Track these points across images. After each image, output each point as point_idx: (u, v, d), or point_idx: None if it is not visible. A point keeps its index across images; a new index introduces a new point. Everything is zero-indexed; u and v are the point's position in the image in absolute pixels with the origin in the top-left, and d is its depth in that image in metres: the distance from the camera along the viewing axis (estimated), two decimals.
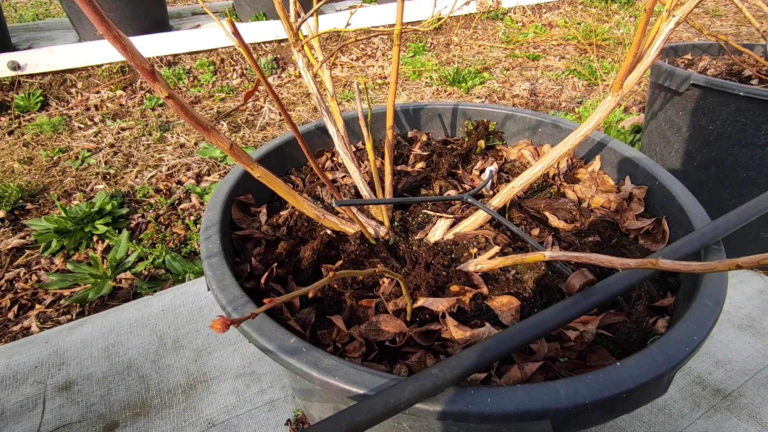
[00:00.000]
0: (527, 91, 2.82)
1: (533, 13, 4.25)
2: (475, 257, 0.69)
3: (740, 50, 1.43)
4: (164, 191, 1.84)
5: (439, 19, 0.74)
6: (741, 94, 1.09)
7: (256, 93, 2.80)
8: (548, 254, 0.58)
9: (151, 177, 1.92)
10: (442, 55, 3.43)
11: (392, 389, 0.43)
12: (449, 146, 1.07)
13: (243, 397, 0.99)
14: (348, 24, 0.89)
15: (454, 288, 0.64)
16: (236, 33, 0.47)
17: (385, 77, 3.05)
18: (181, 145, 2.18)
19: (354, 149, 1.07)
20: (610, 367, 0.47)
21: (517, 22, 4.06)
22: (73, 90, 2.51)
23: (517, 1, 4.20)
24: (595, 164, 0.95)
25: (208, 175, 1.97)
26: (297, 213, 0.81)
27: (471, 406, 0.43)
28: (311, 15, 0.75)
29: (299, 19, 0.77)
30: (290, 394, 1.00)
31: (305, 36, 0.81)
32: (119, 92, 2.55)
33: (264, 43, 3.18)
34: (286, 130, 2.19)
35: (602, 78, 2.89)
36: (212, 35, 3.00)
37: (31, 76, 2.46)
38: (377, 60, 3.29)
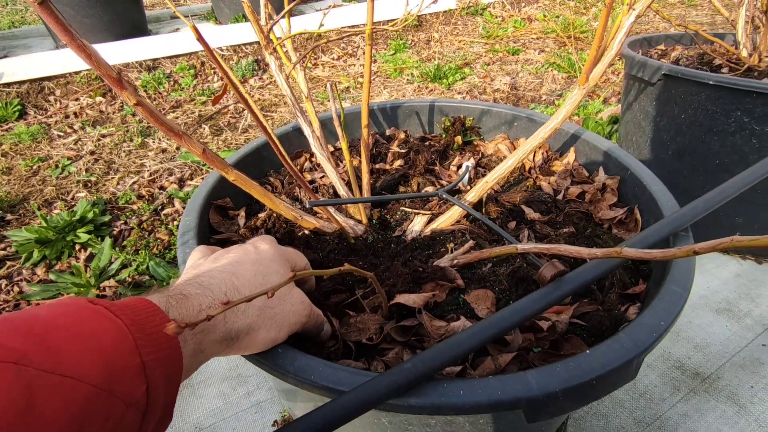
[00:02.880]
0: (508, 85, 2.84)
1: (512, 8, 4.27)
2: (452, 252, 0.70)
3: (711, 40, 1.45)
4: (147, 197, 1.83)
5: (406, 19, 0.75)
6: (711, 82, 1.11)
7: (241, 95, 2.79)
8: (520, 247, 0.59)
9: (133, 183, 1.91)
10: (423, 51, 3.44)
11: (365, 386, 0.43)
12: (427, 143, 1.08)
13: (229, 400, 1.00)
14: (321, 25, 0.89)
15: (431, 283, 0.65)
16: (200, 39, 0.47)
17: None
18: (163, 150, 2.16)
19: (332, 149, 1.07)
20: (580, 355, 0.48)
21: (496, 17, 4.08)
22: (51, 98, 2.48)
23: None
24: (570, 156, 0.96)
25: (191, 179, 1.96)
26: (275, 215, 0.81)
27: (444, 399, 0.44)
28: (282, 17, 0.75)
29: (271, 21, 0.77)
30: (277, 395, 1.00)
31: (278, 38, 0.81)
32: (98, 99, 2.52)
33: (244, 44, 3.16)
34: None
35: (581, 70, 2.92)
36: (192, 38, 2.98)
37: (8, 85, 2.42)
38: (358, 59, 3.29)
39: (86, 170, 1.96)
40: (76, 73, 2.60)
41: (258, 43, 3.16)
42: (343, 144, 0.80)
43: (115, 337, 0.34)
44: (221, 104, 2.58)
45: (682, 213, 0.67)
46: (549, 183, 0.91)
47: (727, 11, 1.46)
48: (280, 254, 0.57)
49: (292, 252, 0.61)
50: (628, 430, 0.90)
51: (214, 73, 2.93)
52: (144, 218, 1.69)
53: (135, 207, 1.76)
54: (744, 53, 1.35)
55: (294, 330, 0.52)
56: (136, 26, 3.01)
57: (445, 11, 4.00)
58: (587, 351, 0.48)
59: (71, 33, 0.42)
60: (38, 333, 0.32)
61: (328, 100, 2.65)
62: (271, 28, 0.75)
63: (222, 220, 0.80)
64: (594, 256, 0.50)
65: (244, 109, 2.52)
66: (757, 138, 1.10)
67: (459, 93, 2.76)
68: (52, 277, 1.38)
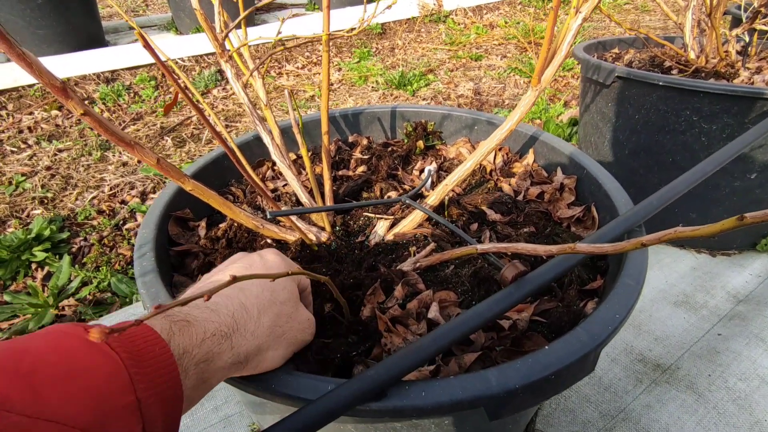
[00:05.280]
0: (471, 90, 2.89)
1: (474, 15, 4.35)
2: (414, 255, 0.71)
3: (661, 43, 1.51)
4: (107, 212, 1.78)
5: (361, 26, 0.76)
6: (660, 83, 1.15)
7: (201, 106, 2.75)
8: (480, 247, 0.60)
9: (93, 198, 1.85)
10: (387, 59, 3.46)
11: (330, 395, 0.43)
12: (389, 148, 1.08)
13: (196, 416, 0.97)
14: (279, 33, 0.89)
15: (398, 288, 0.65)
16: (147, 47, 0.46)
17: (332, 83, 3.05)
18: (124, 164, 2.11)
19: (294, 156, 1.07)
20: (539, 351, 0.49)
21: (459, 24, 4.15)
22: (2, 112, 2.38)
23: (458, 3, 4.29)
24: (529, 158, 0.98)
25: (153, 192, 1.91)
26: (236, 224, 0.80)
27: (406, 401, 0.44)
28: (237, 25, 0.75)
29: (226, 29, 0.77)
30: (245, 409, 0.98)
31: (234, 46, 0.80)
32: (54, 112, 2.44)
33: (207, 55, 3.12)
34: None
35: None
36: (153, 49, 2.92)
37: None
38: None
39: (42, 186, 1.89)
40: (30, 86, 2.51)
41: (237, 51, 3.12)
42: (303, 151, 0.80)
43: (109, 374, 0.31)
44: (183, 116, 2.54)
45: (636, 210, 0.69)
46: (510, 184, 0.93)
47: (676, 15, 1.53)
48: (287, 267, 0.54)
49: (297, 267, 0.58)
50: (595, 423, 0.92)
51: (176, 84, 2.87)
52: (105, 234, 1.64)
53: (95, 223, 1.71)
54: (692, 55, 1.41)
55: (299, 347, 0.51)
56: (93, 37, 2.93)
57: (408, 19, 4.05)
58: (546, 347, 0.49)
59: (10, 42, 0.41)
60: (24, 371, 0.29)
61: (293, 109, 2.63)
62: (226, 36, 0.74)
63: (181, 232, 0.79)
64: (549, 252, 0.51)
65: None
66: (705, 136, 1.15)
67: (424, 99, 2.78)
68: (6, 298, 1.33)
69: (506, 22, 4.13)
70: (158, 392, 0.34)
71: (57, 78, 0.45)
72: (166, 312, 0.40)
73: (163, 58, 0.74)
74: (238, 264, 0.52)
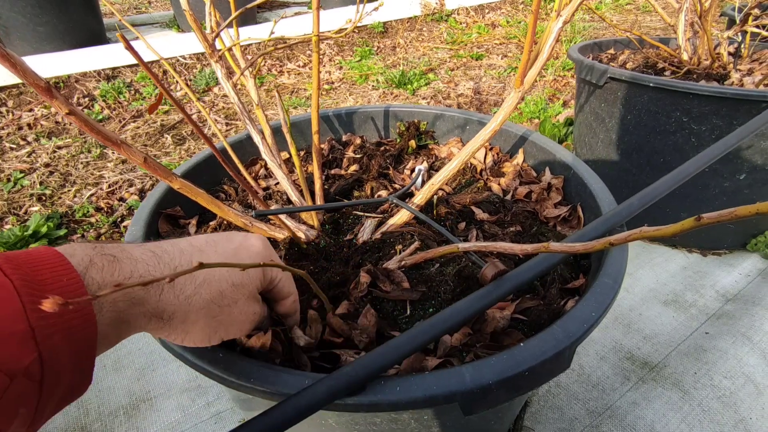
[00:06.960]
0: (471, 90, 2.89)
1: (476, 14, 4.35)
2: (400, 253, 0.72)
3: (655, 44, 1.52)
4: (106, 209, 1.79)
5: (344, 29, 0.77)
6: (651, 85, 1.16)
7: (202, 104, 2.76)
8: (461, 246, 0.61)
9: (91, 195, 1.87)
10: (389, 58, 3.47)
11: (306, 391, 0.44)
12: (382, 148, 1.09)
13: (188, 411, 0.98)
14: (272, 33, 0.90)
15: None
16: (129, 48, 0.47)
17: (332, 82, 3.06)
18: (123, 161, 2.12)
19: (287, 156, 1.08)
20: (514, 347, 0.50)
21: (461, 23, 4.15)
22: (2, 109, 2.40)
23: (460, 3, 4.30)
24: (519, 158, 0.99)
25: (152, 189, 1.93)
26: (226, 222, 0.81)
27: (381, 396, 0.45)
28: (227, 26, 0.76)
29: (218, 28, 0.78)
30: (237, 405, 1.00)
31: (226, 45, 0.82)
32: (54, 109, 2.46)
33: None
34: None
35: (542, 74, 2.99)
36: (154, 46, 2.94)
37: None
38: (324, 65, 3.30)
39: (40, 183, 1.91)
40: None
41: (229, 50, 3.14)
42: (292, 150, 0.81)
43: None
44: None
45: (618, 211, 0.70)
46: (499, 184, 0.94)
47: (670, 17, 1.53)
48: (265, 257, 0.51)
49: (281, 270, 0.53)
50: (582, 420, 0.93)
51: (176, 82, 2.89)
52: (102, 231, 1.66)
53: (93, 220, 1.72)
54: (685, 57, 1.41)
55: (229, 337, 0.48)
56: (94, 34, 2.95)
57: (410, 18, 4.05)
58: (521, 344, 0.50)
59: None
60: None
61: (293, 107, 2.65)
62: (216, 36, 0.75)
63: (172, 229, 0.80)
64: (525, 251, 0.52)
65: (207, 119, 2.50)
66: (695, 137, 1.16)
67: (424, 98, 2.79)
68: None
69: (508, 22, 4.13)
70: (62, 321, 0.33)
71: (41, 78, 0.46)
72: (95, 243, 0.39)
73: (156, 57, 0.75)
74: (217, 235, 0.50)
